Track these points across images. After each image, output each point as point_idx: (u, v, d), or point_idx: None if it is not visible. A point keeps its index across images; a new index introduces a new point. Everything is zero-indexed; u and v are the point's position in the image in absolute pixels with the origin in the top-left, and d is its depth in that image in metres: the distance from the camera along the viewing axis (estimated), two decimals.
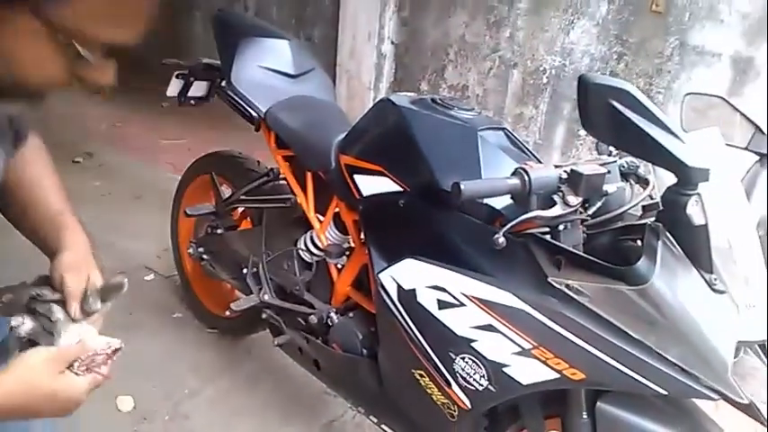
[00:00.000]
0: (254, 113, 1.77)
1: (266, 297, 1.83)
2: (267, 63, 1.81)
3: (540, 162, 1.28)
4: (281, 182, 1.89)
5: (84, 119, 3.95)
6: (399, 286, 1.33)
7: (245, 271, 1.92)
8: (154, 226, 2.69)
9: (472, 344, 1.20)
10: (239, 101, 1.77)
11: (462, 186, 1.00)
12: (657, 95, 2.89)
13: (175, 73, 1.96)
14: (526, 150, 1.39)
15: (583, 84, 0.95)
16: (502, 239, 1.02)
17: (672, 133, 0.97)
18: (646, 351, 1.00)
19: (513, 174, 1.05)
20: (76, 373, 0.76)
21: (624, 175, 1.19)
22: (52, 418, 0.78)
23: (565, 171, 1.07)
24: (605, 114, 0.94)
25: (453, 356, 1.24)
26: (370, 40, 3.60)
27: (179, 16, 4.46)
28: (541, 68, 3.17)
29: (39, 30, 0.64)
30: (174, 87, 1.97)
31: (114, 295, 0.84)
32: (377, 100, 1.56)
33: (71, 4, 0.63)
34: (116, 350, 0.80)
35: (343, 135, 1.61)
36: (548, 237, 1.12)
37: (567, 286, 1.05)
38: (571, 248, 1.08)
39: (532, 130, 3.30)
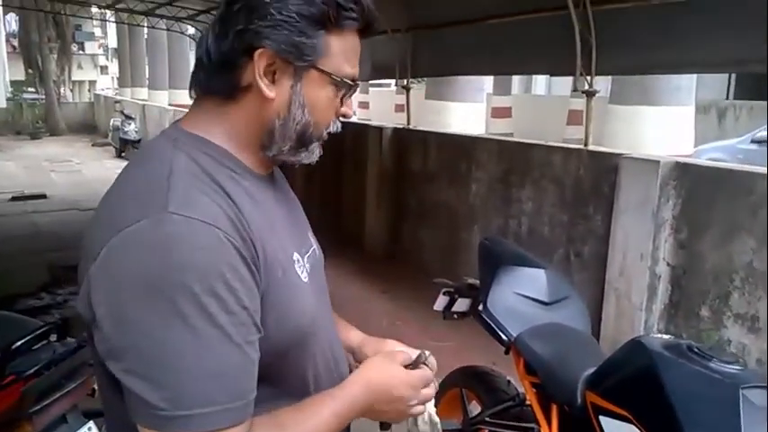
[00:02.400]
0: (504, 337, 1.85)
1: None
2: (522, 290, 1.92)
3: None
4: (528, 407, 1.88)
5: (370, 314, 4.52)
6: None
7: None
8: None
9: None
10: (492, 324, 1.87)
11: None
12: None
13: (443, 290, 2.19)
14: None
15: None
16: None
17: None
18: None
19: None
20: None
21: None
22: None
23: None
24: None
25: None
26: (643, 260, 3.50)
27: (461, 229, 4.96)
28: None
29: (320, 78, 0.82)
30: (440, 302, 2.19)
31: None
32: (629, 339, 1.52)
33: (332, 53, 0.81)
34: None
35: (591, 369, 1.57)
36: None
37: None
38: None
39: None
